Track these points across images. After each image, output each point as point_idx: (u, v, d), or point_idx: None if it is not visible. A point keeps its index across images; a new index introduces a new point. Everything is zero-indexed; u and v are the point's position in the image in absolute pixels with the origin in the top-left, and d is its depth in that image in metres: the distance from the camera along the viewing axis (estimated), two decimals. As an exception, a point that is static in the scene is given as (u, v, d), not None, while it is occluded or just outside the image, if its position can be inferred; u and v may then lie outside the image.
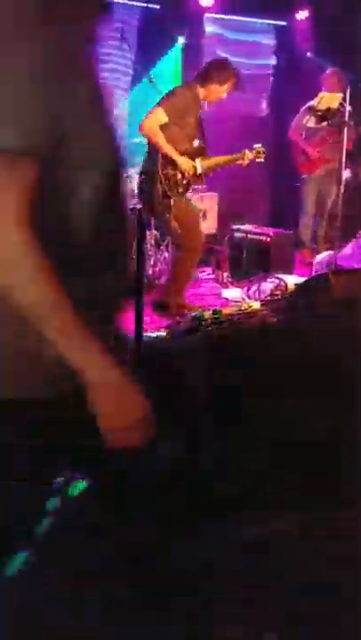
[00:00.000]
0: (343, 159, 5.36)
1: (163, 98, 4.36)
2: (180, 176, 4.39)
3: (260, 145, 4.81)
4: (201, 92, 4.43)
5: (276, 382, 2.85)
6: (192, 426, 2.86)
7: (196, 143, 4.50)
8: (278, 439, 2.82)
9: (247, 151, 4.69)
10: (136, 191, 4.68)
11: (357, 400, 3.06)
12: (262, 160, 4.82)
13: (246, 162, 4.69)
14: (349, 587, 2.16)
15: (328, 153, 6.34)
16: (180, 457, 2.86)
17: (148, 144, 4.45)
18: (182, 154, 4.37)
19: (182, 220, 4.41)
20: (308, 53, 8.02)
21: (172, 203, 4.37)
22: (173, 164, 4.34)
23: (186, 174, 4.39)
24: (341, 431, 2.99)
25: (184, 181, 4.43)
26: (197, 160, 4.44)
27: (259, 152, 4.73)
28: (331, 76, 6.32)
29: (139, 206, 5.35)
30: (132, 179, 5.57)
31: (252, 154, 4.74)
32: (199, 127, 4.54)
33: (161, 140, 4.28)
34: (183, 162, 4.36)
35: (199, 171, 4.47)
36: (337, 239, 5.60)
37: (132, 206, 5.54)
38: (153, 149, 4.40)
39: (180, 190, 4.44)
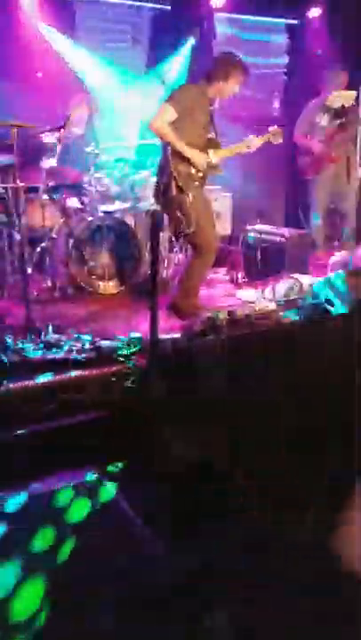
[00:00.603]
0: (358, 156, 5.30)
1: (170, 95, 4.33)
2: (193, 170, 4.36)
3: (275, 127, 4.74)
4: (209, 90, 4.41)
5: (294, 383, 2.82)
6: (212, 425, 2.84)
7: (207, 135, 4.47)
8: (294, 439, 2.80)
9: (253, 137, 4.60)
10: (153, 191, 4.65)
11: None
12: (280, 141, 4.72)
13: (254, 148, 4.60)
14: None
15: (336, 152, 6.26)
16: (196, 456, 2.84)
17: (161, 142, 4.43)
18: (195, 147, 4.34)
19: (199, 216, 4.38)
20: (319, 51, 7.97)
21: (189, 199, 4.34)
22: (186, 159, 4.31)
23: (200, 167, 4.36)
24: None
25: (199, 174, 4.40)
26: (210, 152, 4.41)
27: (275, 134, 4.65)
28: (338, 76, 6.24)
29: (152, 208, 5.35)
30: (146, 180, 5.58)
31: (267, 136, 4.65)
32: (210, 121, 4.52)
33: (172, 136, 4.25)
34: (195, 155, 4.33)
35: (213, 161, 4.44)
36: (352, 239, 5.56)
37: (146, 209, 5.55)
38: (165, 147, 4.37)
39: (196, 184, 4.41)
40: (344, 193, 6.35)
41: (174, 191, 4.33)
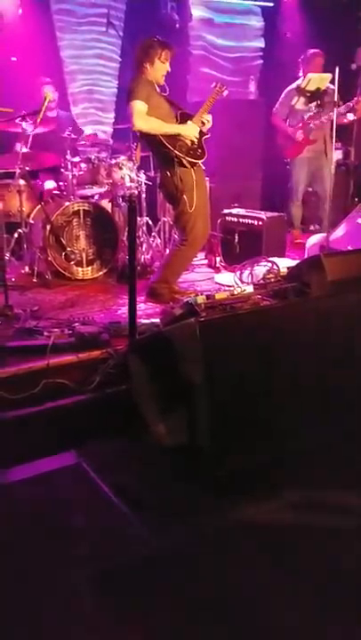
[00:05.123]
0: (334, 139, 5.34)
1: (129, 92, 4.39)
2: (189, 142, 4.44)
3: (214, 83, 4.69)
4: (146, 76, 4.46)
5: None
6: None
7: (178, 113, 4.56)
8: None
9: (205, 116, 4.56)
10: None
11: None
12: (226, 93, 4.69)
13: (206, 120, 4.55)
14: None
15: (313, 134, 6.29)
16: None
17: (149, 138, 4.45)
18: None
19: (199, 198, 4.51)
20: (288, 34, 7.97)
21: (194, 176, 4.47)
22: (177, 136, 4.39)
23: (193, 137, 4.44)
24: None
25: (195, 145, 4.48)
26: (189, 122, 4.47)
27: (218, 88, 4.64)
28: (314, 57, 6.25)
29: (130, 192, 5.35)
30: (123, 165, 5.56)
31: (213, 95, 4.61)
32: (170, 102, 4.59)
33: (157, 124, 4.34)
34: (185, 128, 4.43)
35: (198, 128, 4.48)
36: (329, 221, 5.60)
37: (122, 193, 5.54)
38: (154, 139, 4.40)
39: (200, 152, 4.51)
40: (321, 176, 6.39)
41: (182, 169, 4.43)
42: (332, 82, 5.41)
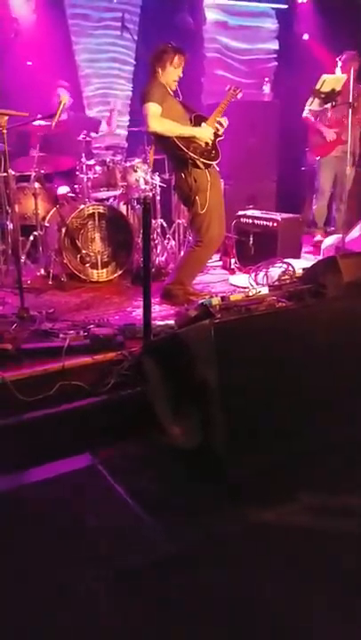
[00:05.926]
0: (349, 140, 5.31)
1: (143, 95, 4.41)
2: (204, 144, 4.46)
3: (228, 86, 4.74)
4: (160, 81, 4.48)
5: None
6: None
7: (192, 116, 4.58)
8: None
9: (221, 119, 4.59)
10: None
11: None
12: (241, 95, 4.75)
13: (220, 122, 4.57)
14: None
15: (344, 134, 6.26)
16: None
17: (164, 140, 4.45)
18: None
19: (212, 200, 4.51)
20: (305, 36, 7.94)
21: (209, 178, 4.48)
22: (192, 138, 4.41)
23: (208, 140, 4.46)
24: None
25: (209, 147, 4.50)
26: (204, 124, 4.49)
27: (233, 91, 4.67)
28: (354, 60, 6.23)
29: (144, 194, 5.35)
30: (138, 167, 5.57)
31: (228, 97, 4.65)
32: (183, 105, 4.62)
33: (171, 125, 4.36)
34: (199, 130, 4.45)
35: (213, 130, 4.50)
36: (345, 222, 5.58)
37: (137, 195, 5.55)
38: (168, 141, 4.40)
39: (214, 154, 4.51)
40: (342, 176, 6.37)
41: (197, 171, 4.45)
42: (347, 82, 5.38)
